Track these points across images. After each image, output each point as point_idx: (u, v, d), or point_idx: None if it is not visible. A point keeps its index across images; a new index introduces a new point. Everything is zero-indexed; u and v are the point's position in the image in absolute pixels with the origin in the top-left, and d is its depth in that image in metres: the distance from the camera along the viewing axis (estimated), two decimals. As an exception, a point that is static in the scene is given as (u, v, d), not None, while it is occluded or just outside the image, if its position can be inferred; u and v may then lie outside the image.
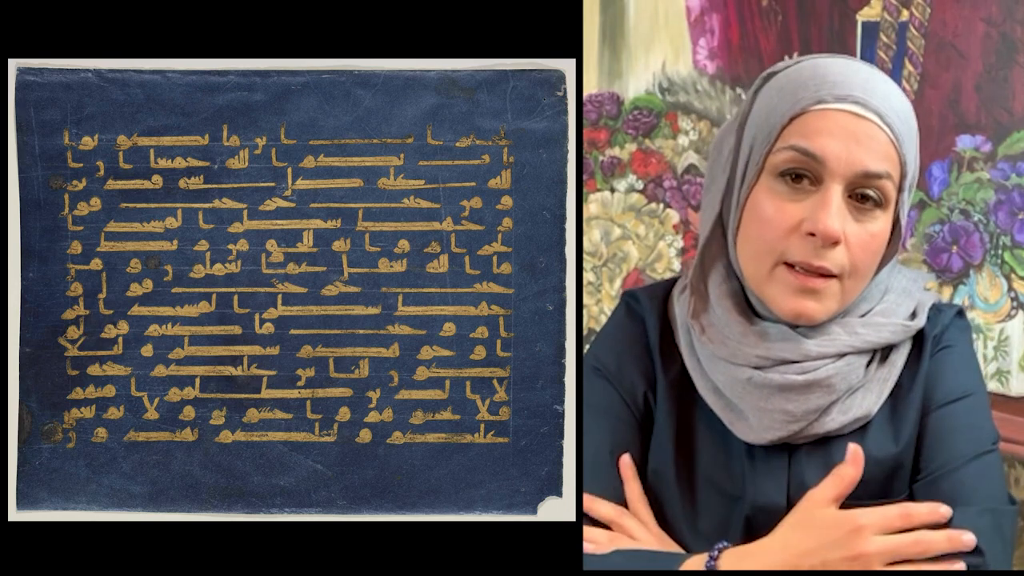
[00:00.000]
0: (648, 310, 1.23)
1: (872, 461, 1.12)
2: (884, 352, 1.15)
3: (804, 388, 1.11)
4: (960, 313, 1.20)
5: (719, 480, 1.16)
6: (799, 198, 1.10)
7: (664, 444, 1.19)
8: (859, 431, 1.13)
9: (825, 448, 1.13)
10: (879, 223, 1.11)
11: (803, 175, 1.10)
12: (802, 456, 1.14)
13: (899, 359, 1.15)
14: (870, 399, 1.13)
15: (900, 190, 1.12)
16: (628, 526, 1.14)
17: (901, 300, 1.17)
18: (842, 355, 1.12)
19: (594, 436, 1.20)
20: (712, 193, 1.19)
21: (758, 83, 1.17)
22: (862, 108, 1.09)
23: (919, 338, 1.17)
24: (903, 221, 1.13)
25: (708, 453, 1.17)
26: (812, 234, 1.09)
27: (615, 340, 1.24)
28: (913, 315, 1.17)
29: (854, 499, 1.11)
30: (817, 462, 1.13)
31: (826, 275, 1.10)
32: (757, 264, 1.13)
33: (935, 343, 1.17)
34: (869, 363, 1.14)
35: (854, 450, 1.08)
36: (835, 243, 1.09)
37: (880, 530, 1.05)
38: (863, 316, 1.15)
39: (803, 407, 1.11)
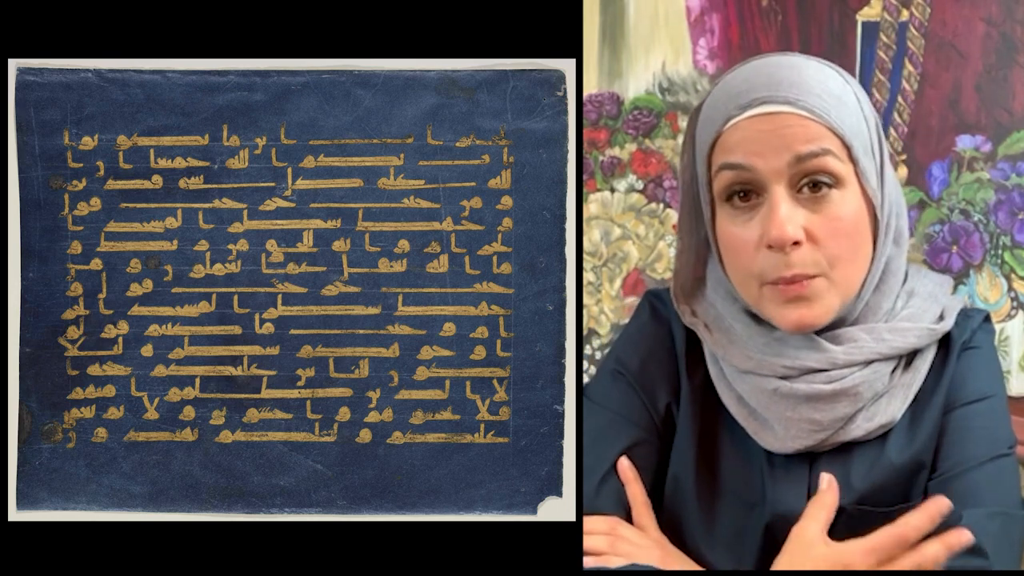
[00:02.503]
0: (675, 313, 1.22)
1: (892, 468, 1.11)
2: (908, 357, 1.14)
3: (831, 397, 1.10)
4: (987, 319, 1.19)
5: (738, 487, 1.15)
6: (752, 215, 1.09)
7: (685, 450, 1.18)
8: (880, 437, 1.12)
9: (846, 455, 1.12)
10: (842, 205, 1.08)
11: (748, 190, 1.09)
12: (822, 464, 1.12)
13: (923, 364, 1.14)
14: (895, 405, 1.12)
15: (854, 162, 1.09)
16: (625, 535, 1.13)
17: (927, 305, 1.15)
18: (869, 362, 1.11)
19: (607, 439, 1.18)
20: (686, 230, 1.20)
21: (692, 115, 1.17)
22: (769, 106, 1.08)
23: (944, 343, 1.16)
24: (871, 189, 1.10)
25: (728, 460, 1.16)
26: (771, 246, 1.07)
27: (638, 343, 1.23)
28: (940, 319, 1.15)
29: (873, 505, 1.10)
30: (837, 470, 1.12)
31: (806, 278, 1.08)
32: (746, 288, 1.13)
33: (962, 348, 1.15)
34: (894, 369, 1.13)
35: (828, 479, 1.07)
36: (795, 244, 1.07)
37: (876, 563, 1.04)
38: (888, 320, 1.14)
39: (830, 416, 1.10)
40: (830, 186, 1.08)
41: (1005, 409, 1.15)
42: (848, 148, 1.08)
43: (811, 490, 1.12)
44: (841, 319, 1.13)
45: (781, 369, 1.11)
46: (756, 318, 1.15)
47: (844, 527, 1.11)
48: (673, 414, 1.19)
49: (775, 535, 1.12)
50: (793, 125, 1.07)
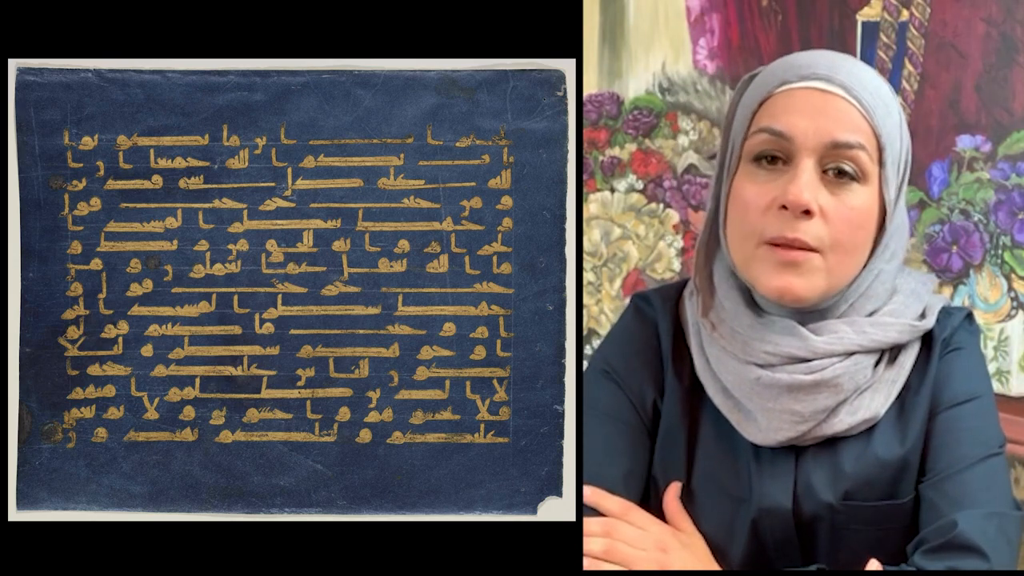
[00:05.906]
0: (661, 313, 1.23)
1: (878, 463, 1.12)
2: (892, 353, 1.15)
3: (812, 388, 1.11)
4: (969, 316, 1.20)
5: (725, 482, 1.16)
6: (774, 178, 1.11)
7: (671, 447, 1.19)
8: (866, 432, 1.13)
9: (832, 449, 1.13)
10: (859, 197, 1.10)
11: (777, 156, 1.11)
12: (809, 458, 1.13)
13: (907, 361, 1.15)
14: (878, 400, 1.13)
15: (881, 165, 1.11)
16: (623, 536, 1.13)
17: (910, 302, 1.17)
18: (850, 354, 1.12)
19: (599, 439, 1.19)
20: (710, 193, 1.20)
21: (742, 84, 1.19)
22: (826, 83, 1.11)
23: (927, 340, 1.17)
24: (888, 198, 1.12)
25: (715, 455, 1.17)
26: (784, 207, 1.09)
27: (625, 343, 1.24)
28: (922, 316, 1.17)
29: (859, 500, 1.11)
30: (824, 463, 1.13)
31: (804, 248, 1.09)
32: (741, 247, 1.13)
33: (944, 345, 1.16)
34: (877, 364, 1.14)
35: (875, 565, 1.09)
36: (807, 213, 1.08)
37: None
38: (871, 316, 1.15)
39: (811, 407, 1.11)
40: (854, 178, 1.10)
41: (993, 409, 1.16)
42: (881, 151, 1.11)
43: (797, 484, 1.13)
44: (823, 312, 1.14)
45: (763, 355, 1.12)
46: (746, 299, 1.16)
47: (832, 523, 1.12)
48: (659, 409, 1.20)
49: (761, 530, 1.13)
50: (844, 111, 1.10)
